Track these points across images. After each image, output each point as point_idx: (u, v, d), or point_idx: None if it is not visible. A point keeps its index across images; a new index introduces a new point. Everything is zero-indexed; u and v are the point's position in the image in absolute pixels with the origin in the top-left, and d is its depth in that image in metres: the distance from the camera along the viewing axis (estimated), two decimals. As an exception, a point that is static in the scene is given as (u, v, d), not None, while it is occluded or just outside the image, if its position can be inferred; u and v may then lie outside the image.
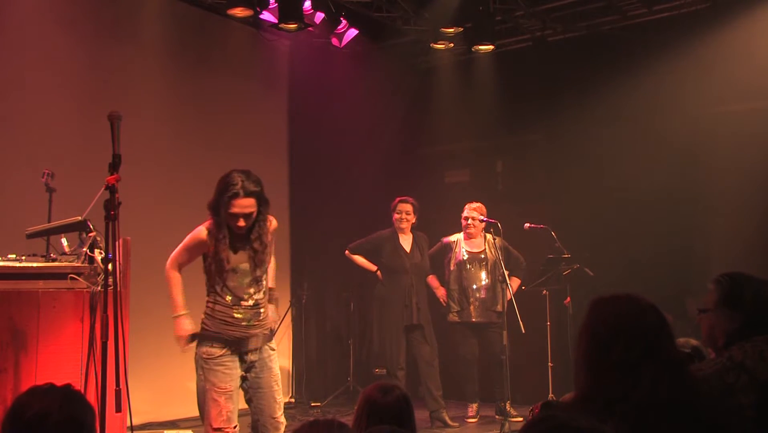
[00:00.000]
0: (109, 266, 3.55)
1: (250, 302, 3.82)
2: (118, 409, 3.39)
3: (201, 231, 3.82)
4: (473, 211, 6.60)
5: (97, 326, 3.47)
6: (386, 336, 6.59)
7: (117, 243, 3.33)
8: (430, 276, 6.80)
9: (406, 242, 6.66)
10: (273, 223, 3.95)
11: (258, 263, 3.81)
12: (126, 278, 4.22)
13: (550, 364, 6.58)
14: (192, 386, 3.83)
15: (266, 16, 6.87)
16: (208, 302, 3.85)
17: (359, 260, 6.82)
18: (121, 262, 3.85)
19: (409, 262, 6.59)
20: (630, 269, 6.60)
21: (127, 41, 6.59)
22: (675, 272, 6.68)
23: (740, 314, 2.54)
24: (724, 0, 6.77)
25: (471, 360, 6.67)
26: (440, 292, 6.76)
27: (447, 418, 6.40)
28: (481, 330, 6.62)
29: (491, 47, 7.35)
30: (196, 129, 7.03)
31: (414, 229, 6.72)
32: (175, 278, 3.88)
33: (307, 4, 6.98)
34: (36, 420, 1.88)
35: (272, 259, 4.11)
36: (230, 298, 3.79)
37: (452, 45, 7.56)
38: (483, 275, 6.59)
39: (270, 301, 3.99)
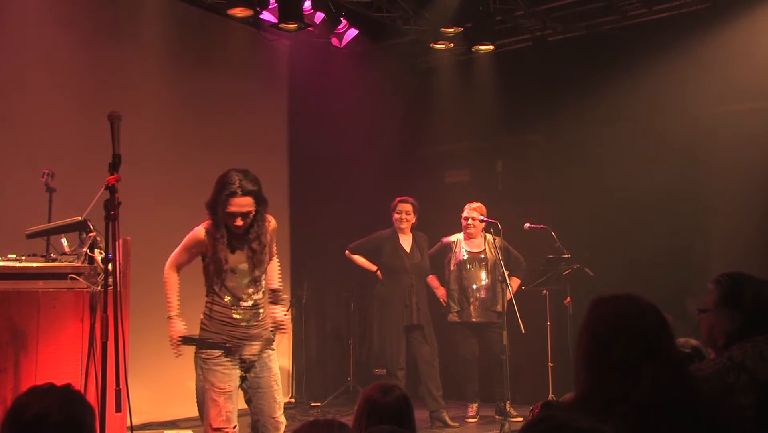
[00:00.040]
0: (109, 266, 3.55)
1: (249, 303, 3.81)
2: (118, 409, 3.39)
3: (199, 231, 3.82)
4: (473, 212, 6.60)
5: (97, 326, 3.46)
6: (386, 336, 6.59)
7: (117, 243, 3.33)
8: (430, 276, 6.80)
9: (406, 242, 6.66)
10: (272, 223, 3.94)
11: (256, 263, 3.80)
12: (126, 278, 4.22)
13: (550, 364, 6.58)
14: (192, 386, 3.83)
15: (266, 16, 6.87)
16: (207, 302, 3.84)
17: (359, 260, 6.82)
18: (121, 262, 3.85)
19: (409, 262, 6.59)
20: (630, 269, 6.60)
21: (127, 41, 6.59)
22: (675, 272, 6.68)
23: (740, 314, 2.54)
24: (724, 0, 6.77)
25: (471, 360, 6.66)
26: (440, 292, 6.76)
27: (447, 418, 6.40)
28: (481, 330, 6.62)
29: (491, 47, 7.35)
30: (196, 129, 7.03)
31: (414, 229, 6.71)
32: (171, 279, 3.87)
33: (307, 4, 6.98)
34: (36, 420, 1.88)
35: (275, 260, 4.12)
36: (229, 298, 3.79)
37: (452, 45, 7.56)
38: (483, 275, 6.59)
39: (278, 302, 3.99)
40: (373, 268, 6.75)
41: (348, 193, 8.01)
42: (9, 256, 4.03)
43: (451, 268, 6.68)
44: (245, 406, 3.94)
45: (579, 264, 6.47)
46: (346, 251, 6.88)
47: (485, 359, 6.65)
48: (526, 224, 6.63)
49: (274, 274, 4.08)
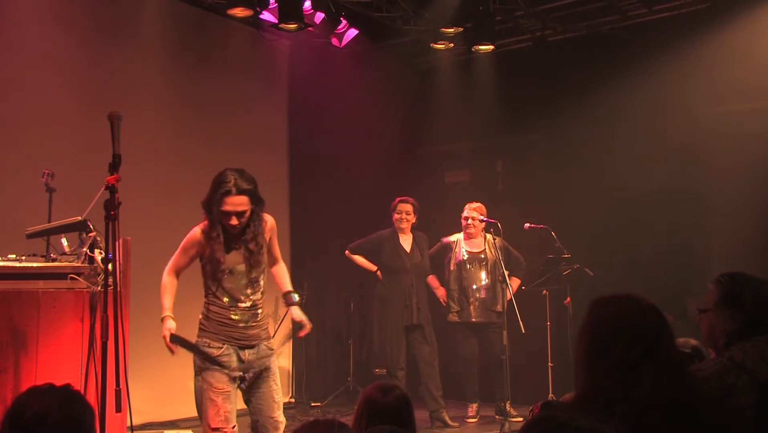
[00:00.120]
0: (109, 266, 3.56)
1: (248, 303, 3.80)
2: (118, 409, 3.39)
3: (195, 231, 3.81)
4: (473, 212, 6.60)
5: (97, 326, 3.47)
6: (386, 336, 6.59)
7: (117, 243, 3.33)
8: (430, 276, 6.80)
9: (406, 242, 6.66)
10: (269, 222, 3.91)
11: (254, 263, 3.78)
12: (126, 278, 4.22)
13: (550, 364, 6.58)
14: (192, 386, 3.83)
15: (266, 16, 6.87)
16: (205, 303, 3.84)
17: (359, 260, 6.82)
18: (121, 262, 3.85)
19: (410, 262, 6.59)
20: (630, 269, 6.60)
21: (127, 41, 6.59)
22: (675, 272, 6.68)
23: (740, 314, 2.54)
24: (724, 0, 6.77)
25: (471, 360, 6.66)
26: (440, 292, 6.76)
27: (447, 418, 6.40)
28: (481, 330, 6.62)
29: (491, 47, 7.35)
30: (196, 129, 7.03)
31: (414, 229, 6.71)
32: (166, 282, 3.85)
33: (307, 4, 6.98)
34: (35, 421, 1.88)
35: (282, 264, 4.12)
36: (227, 299, 3.78)
37: (452, 45, 7.56)
38: (483, 275, 6.59)
39: (291, 303, 4.00)
40: (373, 268, 6.75)
41: (348, 193, 8.01)
42: (9, 256, 4.03)
43: (451, 268, 6.68)
44: (245, 406, 3.93)
45: (579, 264, 6.47)
46: (346, 251, 6.88)
47: (485, 359, 6.65)
48: (526, 224, 6.63)
49: (284, 277, 4.10)
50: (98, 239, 4.04)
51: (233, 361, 3.76)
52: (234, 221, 3.70)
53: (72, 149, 5.91)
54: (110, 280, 3.51)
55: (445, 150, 8.47)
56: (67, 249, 4.23)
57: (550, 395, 6.43)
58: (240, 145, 7.17)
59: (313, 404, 7.39)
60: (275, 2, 6.71)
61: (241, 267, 3.77)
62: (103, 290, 3.41)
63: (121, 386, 3.43)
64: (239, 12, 6.50)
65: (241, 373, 3.80)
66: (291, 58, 8.12)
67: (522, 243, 6.71)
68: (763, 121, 6.53)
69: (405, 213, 6.61)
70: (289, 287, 4.07)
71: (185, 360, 3.90)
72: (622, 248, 6.88)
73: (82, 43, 6.24)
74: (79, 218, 4.12)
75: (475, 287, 6.59)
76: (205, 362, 3.73)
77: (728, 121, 6.69)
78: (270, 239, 3.94)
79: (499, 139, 8.01)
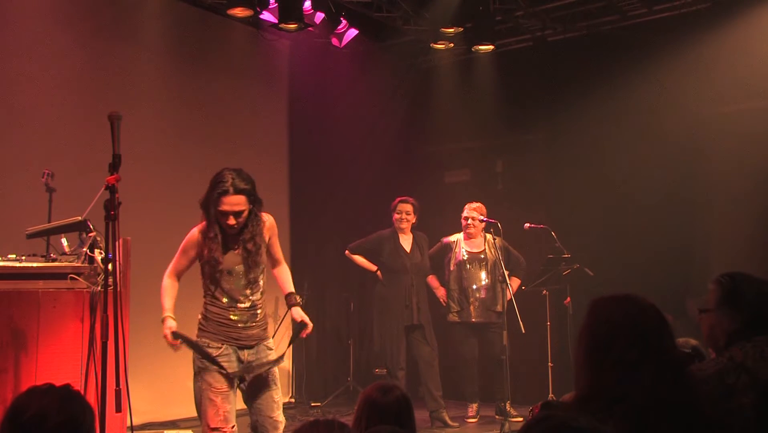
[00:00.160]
0: (109, 266, 3.56)
1: (247, 304, 3.80)
2: (118, 409, 3.39)
3: (194, 232, 3.81)
4: (473, 212, 6.60)
5: (97, 326, 3.47)
6: (386, 336, 6.59)
7: (117, 243, 3.33)
8: (430, 276, 6.80)
9: (406, 242, 6.66)
10: (266, 222, 3.88)
11: (252, 264, 3.76)
12: (126, 278, 4.22)
13: (550, 364, 6.58)
14: (192, 386, 3.83)
15: (266, 16, 6.87)
16: (204, 303, 3.84)
17: (359, 260, 6.82)
18: (121, 262, 3.85)
19: (410, 262, 6.59)
20: (630, 269, 6.60)
21: (127, 41, 6.59)
22: (675, 272, 6.68)
23: (741, 313, 2.54)
24: (724, 0, 6.77)
25: (471, 360, 6.66)
26: (440, 292, 6.76)
27: (447, 418, 6.39)
28: (481, 330, 6.62)
29: (491, 47, 7.35)
30: (196, 129, 7.04)
31: (414, 229, 6.71)
32: (166, 285, 3.84)
33: (307, 4, 6.98)
34: (35, 421, 1.88)
35: (285, 266, 4.09)
36: (226, 300, 3.78)
37: (452, 45, 7.55)
38: (483, 275, 6.59)
39: (293, 305, 3.97)
40: (373, 268, 6.75)
41: (348, 194, 8.01)
42: (9, 256, 4.03)
43: (451, 268, 6.68)
44: (245, 406, 3.93)
45: (579, 264, 6.47)
46: (346, 251, 6.88)
47: (485, 359, 6.65)
48: (526, 224, 6.63)
49: (286, 279, 4.07)
50: (98, 239, 4.04)
51: (232, 361, 3.76)
52: (231, 221, 3.69)
53: (72, 149, 5.91)
54: (110, 280, 3.51)
55: (445, 150, 8.47)
56: (67, 249, 4.23)
57: (550, 395, 6.42)
58: (240, 145, 7.18)
59: (313, 404, 7.39)
60: (275, 2, 6.71)
61: (240, 268, 3.76)
62: (103, 290, 3.41)
63: (121, 386, 3.43)
64: (239, 12, 6.50)
65: (240, 373, 3.79)
66: (291, 58, 8.12)
67: (522, 243, 6.71)
68: (764, 121, 6.53)
69: (405, 213, 6.61)
70: (290, 288, 4.05)
71: (185, 360, 3.90)
72: (622, 248, 6.88)
73: (82, 43, 6.24)
74: (79, 218, 4.12)
75: (475, 287, 6.59)
76: (204, 361, 3.72)
77: (728, 121, 6.70)
78: (269, 239, 3.92)
79: (499, 139, 8.01)
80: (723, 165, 6.69)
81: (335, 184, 8.03)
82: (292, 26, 6.74)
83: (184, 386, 3.97)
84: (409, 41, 7.98)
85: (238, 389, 3.82)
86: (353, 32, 7.50)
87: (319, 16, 7.23)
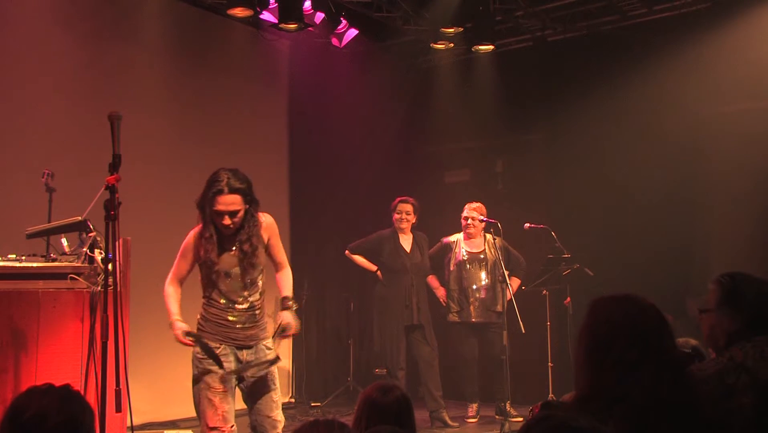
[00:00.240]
0: (109, 266, 3.55)
1: (245, 305, 3.79)
2: (118, 409, 3.39)
3: (190, 235, 3.80)
4: (473, 212, 6.60)
5: (97, 326, 3.47)
6: (386, 336, 6.59)
7: (117, 243, 3.33)
8: (430, 276, 6.80)
9: (406, 241, 6.66)
10: (264, 223, 3.84)
11: (248, 266, 3.74)
12: (126, 278, 4.22)
13: (550, 364, 6.58)
14: (191, 386, 3.83)
15: (266, 16, 6.87)
16: (203, 304, 3.83)
17: (359, 260, 6.82)
18: (121, 262, 3.85)
19: (410, 262, 6.59)
20: (630, 269, 6.59)
21: (127, 41, 6.59)
22: (675, 272, 6.68)
23: (741, 313, 2.54)
24: (724, 0, 6.77)
25: (471, 360, 6.66)
26: (440, 292, 6.76)
27: (447, 418, 6.39)
28: (481, 330, 6.62)
29: (491, 47, 7.34)
30: (196, 129, 7.04)
31: (414, 229, 6.71)
32: (168, 291, 3.81)
33: (307, 4, 6.98)
34: (35, 421, 1.88)
35: (288, 269, 4.03)
36: (224, 301, 3.77)
37: (452, 45, 7.55)
38: (483, 275, 6.59)
39: (286, 308, 3.89)
40: (373, 268, 6.75)
41: (348, 193, 8.01)
42: (9, 256, 4.03)
43: (451, 268, 6.68)
44: (244, 406, 3.93)
45: (579, 264, 6.47)
46: (346, 251, 6.88)
47: (485, 359, 6.65)
48: (526, 224, 6.63)
49: (285, 282, 4.00)
50: (98, 239, 4.04)
51: (231, 361, 3.76)
52: (227, 221, 3.67)
53: (72, 149, 5.91)
54: (110, 280, 3.51)
55: (445, 150, 8.47)
56: (67, 249, 4.23)
57: (550, 395, 6.42)
58: (240, 145, 7.18)
59: (313, 404, 7.39)
60: (275, 2, 6.71)
61: (237, 270, 3.74)
62: (103, 290, 3.41)
63: (121, 386, 3.43)
64: (239, 12, 6.50)
65: (238, 373, 3.79)
66: (291, 58, 8.13)
67: (522, 243, 6.71)
68: (764, 121, 6.53)
69: (405, 213, 6.61)
70: (287, 292, 3.97)
71: (185, 360, 3.90)
72: (622, 248, 6.88)
73: (81, 43, 6.24)
74: (79, 218, 4.12)
75: (475, 287, 6.59)
76: (203, 361, 3.73)
77: (728, 121, 6.70)
78: (268, 240, 3.88)
79: (499, 139, 8.01)
80: (723, 165, 6.69)
81: (335, 184, 8.03)
82: (292, 26, 6.74)
83: (184, 386, 3.96)
84: (409, 41, 7.98)
85: (237, 389, 3.82)
86: (353, 32, 7.50)
87: (319, 16, 7.23)
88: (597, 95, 6.99)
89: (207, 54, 7.27)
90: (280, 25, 6.76)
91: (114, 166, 3.28)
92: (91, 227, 4.08)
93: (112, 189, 3.25)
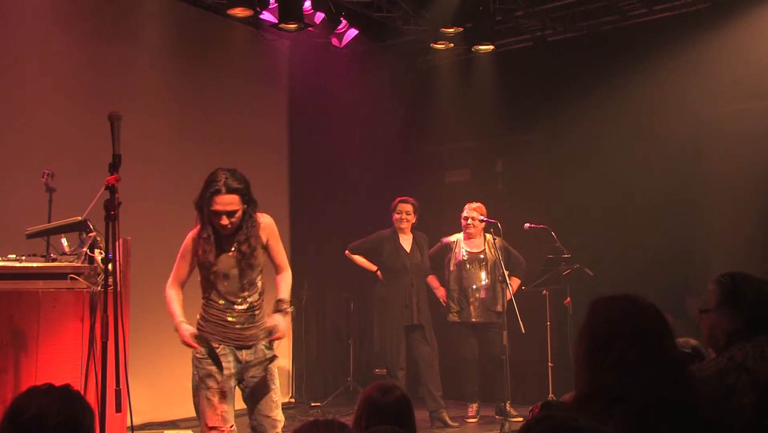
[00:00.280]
0: (109, 266, 3.55)
1: (244, 306, 3.78)
2: (118, 409, 3.39)
3: (188, 237, 3.79)
4: (473, 212, 6.60)
5: (97, 326, 3.47)
6: (386, 336, 6.59)
7: (117, 243, 3.33)
8: (430, 276, 6.80)
9: (406, 241, 6.66)
10: (262, 223, 3.82)
11: (246, 266, 3.72)
12: (126, 278, 4.23)
13: (550, 364, 6.58)
14: (191, 386, 3.83)
15: (266, 16, 6.87)
16: (202, 304, 3.84)
17: (359, 260, 6.82)
18: (121, 262, 3.85)
19: (410, 262, 6.59)
20: (630, 269, 6.59)
21: (126, 41, 6.59)
22: (675, 272, 6.68)
23: (741, 313, 2.54)
24: (724, 0, 6.77)
25: (471, 360, 6.66)
26: (440, 292, 6.76)
27: (447, 418, 6.39)
28: (481, 330, 6.62)
29: (491, 47, 7.34)
30: (196, 129, 7.04)
31: (414, 229, 6.71)
32: (170, 295, 3.80)
33: (307, 4, 6.98)
34: (35, 421, 1.88)
35: (287, 272, 3.96)
36: (222, 302, 3.76)
37: (452, 45, 7.55)
38: (483, 275, 6.59)
39: (278, 310, 3.84)
40: (373, 268, 6.75)
41: (348, 193, 8.01)
42: (9, 256, 4.03)
43: (451, 268, 6.68)
44: (244, 406, 3.93)
45: (579, 264, 6.47)
46: (346, 251, 6.88)
47: (485, 359, 6.65)
48: (526, 224, 6.63)
49: (283, 285, 3.93)
50: (98, 239, 4.04)
51: (230, 361, 3.76)
52: (224, 221, 3.65)
53: (72, 149, 5.91)
54: (110, 280, 3.51)
55: (445, 150, 8.47)
56: (67, 249, 4.23)
57: (550, 395, 6.42)
58: (240, 145, 7.18)
59: (313, 404, 7.39)
60: (275, 2, 6.71)
61: (235, 271, 3.73)
62: (103, 290, 3.41)
63: (121, 386, 3.43)
64: (239, 12, 6.50)
65: (238, 373, 3.79)
66: (291, 58, 8.12)
67: (522, 243, 6.71)
68: (764, 121, 6.53)
69: (405, 213, 6.61)
70: (283, 295, 3.90)
71: (185, 360, 3.90)
72: (622, 248, 6.88)
73: (81, 43, 6.24)
74: (79, 218, 4.12)
75: (475, 287, 6.59)
76: (202, 361, 3.73)
77: (728, 121, 6.70)
78: (267, 240, 3.85)
79: (499, 139, 8.01)
80: (723, 165, 6.69)
81: (335, 184, 8.03)
82: (292, 26, 6.74)
83: (184, 386, 3.96)
84: (409, 41, 7.98)
85: (237, 389, 3.82)
86: (353, 32, 7.50)
87: (319, 16, 7.23)
88: (597, 95, 6.99)
89: (207, 54, 7.27)
90: (280, 25, 6.76)
91: (114, 166, 3.28)
92: (91, 226, 4.08)
93: (112, 189, 3.25)
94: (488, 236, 6.57)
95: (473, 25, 7.25)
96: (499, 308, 6.45)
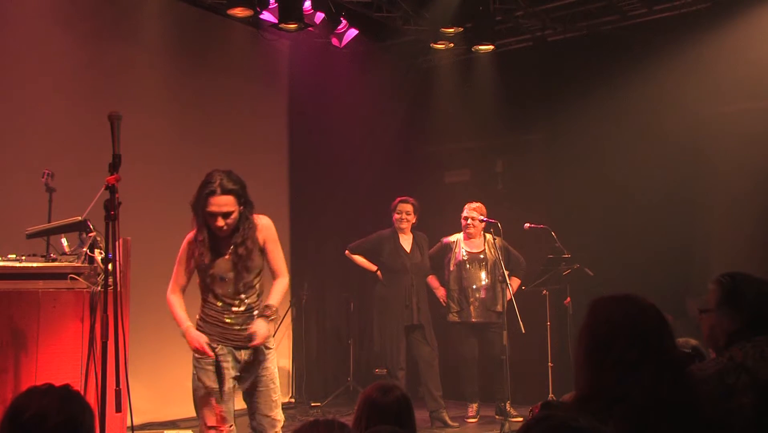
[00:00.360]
0: (109, 266, 3.55)
1: (242, 308, 3.77)
2: (118, 409, 3.39)
3: (185, 240, 3.79)
4: (473, 212, 6.60)
5: (97, 326, 3.47)
6: (386, 336, 6.59)
7: (117, 243, 3.33)
8: (430, 276, 6.80)
9: (406, 241, 6.66)
10: (259, 224, 3.78)
11: (242, 269, 3.70)
12: (126, 278, 4.22)
13: (550, 364, 6.58)
14: (191, 386, 3.83)
15: (266, 16, 6.87)
16: (201, 305, 3.84)
17: (359, 260, 6.82)
18: (121, 262, 3.84)
19: (410, 262, 6.59)
20: (630, 269, 6.59)
21: (127, 41, 6.59)
22: (675, 272, 6.68)
23: (741, 313, 2.54)
24: (724, 0, 6.77)
25: (471, 360, 6.66)
26: (440, 292, 6.76)
27: (447, 418, 6.39)
28: (481, 330, 6.62)
29: (491, 47, 7.34)
30: (196, 129, 7.04)
31: (414, 229, 6.71)
32: (172, 300, 3.79)
33: (307, 4, 6.98)
34: (35, 421, 1.88)
35: (282, 279, 3.86)
36: (220, 304, 3.76)
37: (452, 45, 7.55)
38: (483, 275, 6.59)
39: (262, 315, 3.74)
40: (373, 268, 6.75)
41: (348, 193, 8.01)
42: (9, 256, 4.03)
43: (451, 268, 6.68)
44: (245, 406, 3.93)
45: (579, 264, 6.47)
46: (346, 251, 6.88)
47: (485, 359, 6.65)
48: (526, 224, 6.63)
49: (274, 290, 3.84)
50: (98, 239, 4.04)
51: (229, 361, 3.76)
52: (220, 222, 3.64)
53: (72, 149, 5.91)
54: (110, 280, 3.51)
55: (445, 150, 8.47)
56: (67, 249, 4.23)
57: (550, 395, 6.42)
58: (240, 145, 7.18)
59: (313, 404, 7.39)
60: (275, 2, 6.71)
61: (231, 274, 3.72)
62: (103, 290, 3.41)
63: (121, 386, 3.43)
64: (239, 12, 6.50)
65: (237, 372, 3.79)
66: (291, 58, 8.13)
67: (522, 243, 6.71)
68: (764, 121, 6.53)
69: (405, 213, 6.61)
70: (272, 301, 3.80)
71: (185, 360, 3.90)
72: (622, 248, 6.88)
73: (81, 43, 6.24)
74: (79, 218, 4.12)
75: (474, 287, 6.59)
76: (201, 361, 3.73)
77: (728, 121, 6.69)
78: (265, 243, 3.81)
79: (499, 139, 8.01)
80: (723, 165, 6.68)
81: (335, 184, 8.03)
82: (292, 26, 6.74)
83: (184, 386, 3.97)
84: (409, 41, 7.98)
85: (236, 389, 3.82)
86: (353, 32, 7.50)
87: (319, 16, 7.23)
88: (597, 95, 6.99)
89: (207, 54, 7.27)
90: (280, 25, 6.76)
91: (114, 166, 3.28)
92: (91, 226, 4.08)
93: (112, 189, 3.25)
94: (488, 236, 6.57)
95: (473, 25, 7.25)
96: (499, 308, 6.45)
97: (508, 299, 6.14)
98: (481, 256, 6.62)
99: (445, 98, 8.18)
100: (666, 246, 6.75)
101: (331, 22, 7.34)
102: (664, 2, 7.13)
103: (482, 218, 6.54)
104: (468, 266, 6.62)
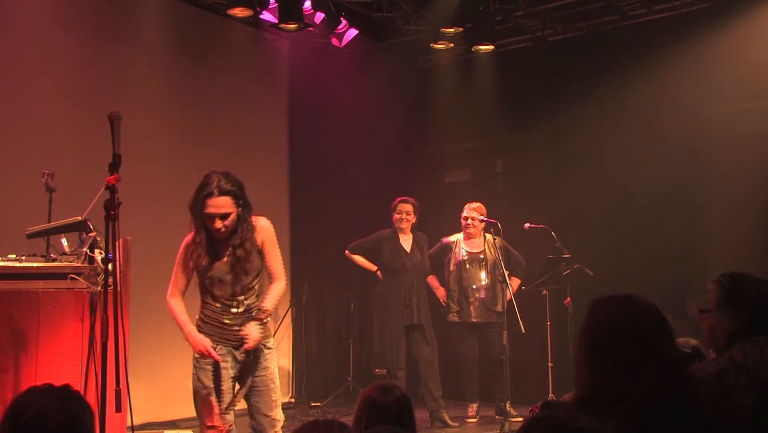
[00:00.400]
0: (109, 266, 3.55)
1: (241, 309, 3.77)
2: (118, 409, 3.39)
3: (183, 243, 3.79)
4: (473, 212, 6.60)
5: (97, 326, 3.47)
6: (386, 336, 6.59)
7: (117, 243, 3.32)
8: (430, 276, 6.80)
9: (406, 241, 6.66)
10: (257, 226, 3.77)
11: (240, 272, 3.70)
12: (126, 278, 4.22)
13: (550, 364, 6.58)
14: (191, 386, 3.83)
15: (266, 16, 6.87)
16: (201, 306, 3.84)
17: (359, 260, 6.82)
18: (121, 262, 3.84)
19: (410, 262, 6.59)
20: (630, 269, 6.59)
21: (127, 41, 6.60)
22: (675, 272, 6.68)
23: (741, 313, 2.54)
24: (724, 0, 6.77)
25: (471, 360, 6.66)
26: (440, 292, 6.76)
27: (447, 418, 6.39)
28: (481, 330, 6.62)
29: (491, 47, 7.34)
30: (196, 129, 7.04)
31: (414, 229, 6.71)
32: (173, 304, 3.79)
33: (307, 4, 6.98)
34: (35, 421, 1.88)
35: (279, 284, 3.83)
36: (219, 305, 3.76)
37: (452, 45, 7.55)
38: (483, 275, 6.59)
39: (254, 318, 3.73)
40: (373, 268, 6.75)
41: (348, 193, 8.01)
42: (9, 256, 4.03)
43: (451, 268, 6.68)
44: (245, 406, 3.93)
45: (579, 264, 6.47)
46: (346, 251, 6.88)
47: (485, 359, 6.65)
48: (526, 224, 6.63)
49: (270, 293, 3.82)
50: (98, 239, 4.04)
51: (228, 361, 3.76)
52: (218, 224, 3.63)
53: (72, 149, 5.91)
54: (110, 280, 3.51)
55: (445, 150, 8.47)
56: (67, 249, 4.23)
57: (550, 395, 6.42)
58: (240, 145, 7.18)
59: (313, 404, 7.39)
60: (275, 2, 6.71)
61: (229, 276, 3.72)
62: (103, 290, 3.41)
63: (121, 386, 3.43)
64: (239, 12, 6.50)
65: (237, 373, 3.79)
66: (291, 58, 8.13)
67: (522, 243, 6.71)
68: (764, 121, 6.53)
69: (405, 213, 6.61)
70: (266, 304, 3.79)
71: (185, 360, 3.90)
72: (622, 248, 6.88)
73: (81, 43, 6.24)
74: (79, 218, 4.11)
75: (474, 287, 6.59)
76: (201, 361, 3.73)
77: (728, 121, 6.70)
78: (263, 244, 3.79)
79: (499, 139, 8.01)
80: (723, 165, 6.68)
81: (335, 184, 8.03)
82: (292, 26, 6.74)
83: (184, 386, 3.97)
84: (409, 41, 7.98)
85: (238, 396, 3.82)
86: (353, 32, 7.50)
87: (319, 16, 7.23)
88: (597, 95, 6.99)
89: (207, 54, 7.27)
90: (280, 25, 6.76)
91: (114, 166, 3.28)
92: (91, 227, 4.08)
93: (112, 189, 3.25)
94: (488, 236, 6.57)
95: (473, 25, 7.25)
96: (499, 308, 6.45)
97: (508, 299, 6.14)
98: (481, 256, 6.62)
99: (445, 98, 8.18)
100: (666, 246, 6.75)
101: (331, 22, 7.34)
102: (664, 2, 7.13)
103: (482, 218, 6.54)
104: (468, 266, 6.62)
